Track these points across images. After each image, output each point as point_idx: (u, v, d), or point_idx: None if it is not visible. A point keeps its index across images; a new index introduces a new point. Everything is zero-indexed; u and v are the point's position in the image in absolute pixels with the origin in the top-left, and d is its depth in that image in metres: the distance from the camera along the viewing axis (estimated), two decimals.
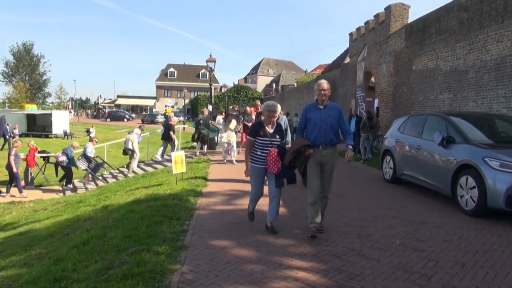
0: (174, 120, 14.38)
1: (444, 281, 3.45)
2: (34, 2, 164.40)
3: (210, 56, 17.88)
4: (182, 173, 8.47)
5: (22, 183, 12.85)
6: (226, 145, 11.88)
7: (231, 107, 16.69)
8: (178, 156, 8.36)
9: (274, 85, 78.10)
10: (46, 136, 32.62)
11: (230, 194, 7.24)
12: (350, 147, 4.80)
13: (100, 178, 13.73)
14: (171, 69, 73.63)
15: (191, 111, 57.88)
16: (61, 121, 34.84)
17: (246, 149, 4.94)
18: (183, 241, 4.51)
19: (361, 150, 12.69)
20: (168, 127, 13.86)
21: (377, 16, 16.72)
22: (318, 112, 4.70)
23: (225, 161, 11.73)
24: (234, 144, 11.88)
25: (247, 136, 4.94)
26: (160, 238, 4.55)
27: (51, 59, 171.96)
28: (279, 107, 4.88)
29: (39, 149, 15.23)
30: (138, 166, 13.93)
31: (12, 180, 12.46)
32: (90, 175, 13.41)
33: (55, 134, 33.78)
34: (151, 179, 10.27)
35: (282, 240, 4.58)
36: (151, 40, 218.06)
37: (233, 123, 12.06)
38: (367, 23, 18.01)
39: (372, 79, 18.35)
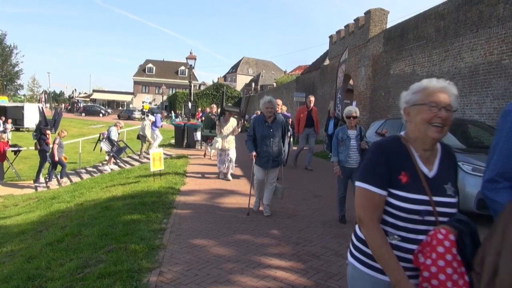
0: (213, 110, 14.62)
1: None
2: None
3: (191, 53, 17.73)
4: (160, 170, 8.38)
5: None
6: (221, 153, 8.54)
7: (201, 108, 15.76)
8: (156, 154, 8.27)
9: (253, 84, 78.10)
10: (18, 130, 31.53)
11: (209, 193, 7.21)
12: None
13: (121, 161, 14.07)
14: (150, 65, 72.53)
15: (169, 108, 57.28)
16: (33, 114, 33.77)
17: (367, 222, 1.65)
18: (161, 240, 4.47)
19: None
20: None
21: (357, 20, 16.98)
22: None
23: (220, 176, 8.65)
24: (233, 154, 8.56)
25: (357, 184, 1.70)
26: (137, 237, 4.49)
27: (24, 51, 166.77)
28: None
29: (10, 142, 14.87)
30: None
31: (55, 168, 12.61)
32: (112, 158, 13.91)
33: (27, 128, 32.73)
34: (128, 176, 10.10)
35: (261, 239, 4.60)
36: (130, 35, 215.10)
37: (232, 122, 8.62)
38: (347, 26, 18.27)
39: (351, 81, 18.64)
